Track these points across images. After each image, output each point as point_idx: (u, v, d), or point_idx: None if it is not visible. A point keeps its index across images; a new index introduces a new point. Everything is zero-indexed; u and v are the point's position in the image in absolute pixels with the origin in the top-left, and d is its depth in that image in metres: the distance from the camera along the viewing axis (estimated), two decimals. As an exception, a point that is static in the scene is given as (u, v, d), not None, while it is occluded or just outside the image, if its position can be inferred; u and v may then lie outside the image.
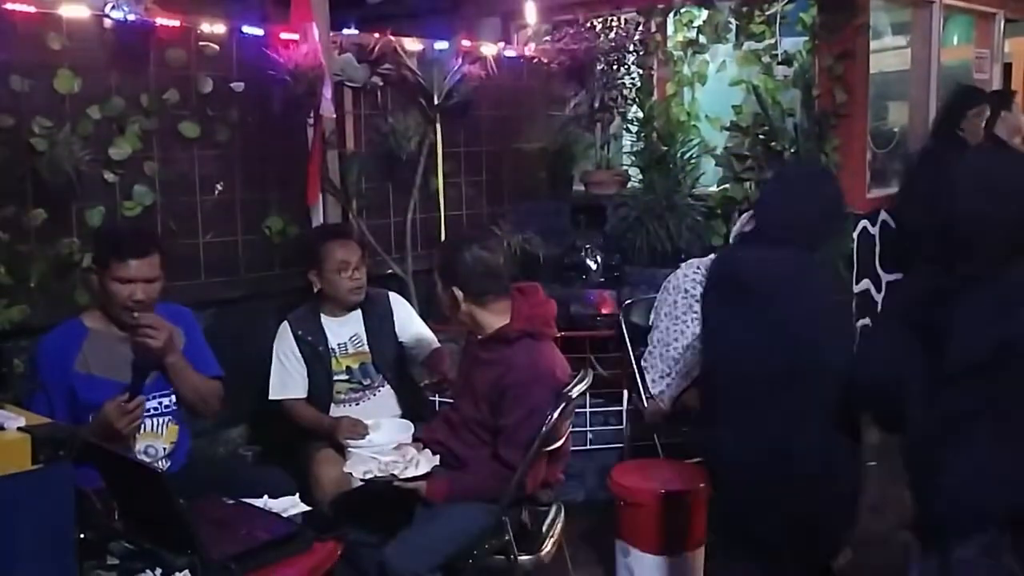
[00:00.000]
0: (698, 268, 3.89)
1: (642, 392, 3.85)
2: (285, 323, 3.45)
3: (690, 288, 3.85)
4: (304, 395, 3.40)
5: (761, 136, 4.89)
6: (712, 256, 3.89)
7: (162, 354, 2.75)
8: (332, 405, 3.42)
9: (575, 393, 2.75)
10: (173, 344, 2.79)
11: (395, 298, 3.61)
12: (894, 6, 5.83)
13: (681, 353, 3.80)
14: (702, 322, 2.76)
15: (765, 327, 2.46)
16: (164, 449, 2.88)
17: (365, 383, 3.46)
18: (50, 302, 3.28)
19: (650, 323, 3.93)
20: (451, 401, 3.13)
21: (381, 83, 4.34)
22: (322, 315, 3.46)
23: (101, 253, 2.82)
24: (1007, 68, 6.85)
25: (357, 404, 3.44)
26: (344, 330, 3.47)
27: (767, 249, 2.59)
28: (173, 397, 2.90)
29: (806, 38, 4.94)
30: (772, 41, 4.95)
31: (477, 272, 2.75)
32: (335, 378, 3.43)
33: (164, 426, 2.88)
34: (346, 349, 3.46)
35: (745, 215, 3.79)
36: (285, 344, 3.41)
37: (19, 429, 1.70)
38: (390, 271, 4.33)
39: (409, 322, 3.56)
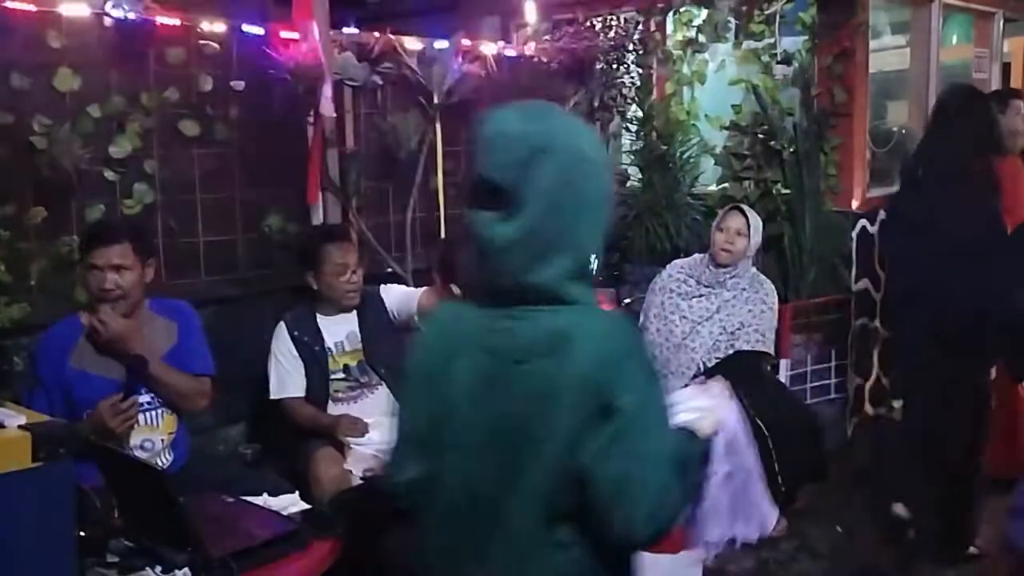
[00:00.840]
0: (682, 268, 3.93)
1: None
2: (281, 323, 3.45)
3: (675, 287, 3.88)
4: (303, 394, 3.41)
5: (760, 135, 4.89)
6: (696, 255, 3.91)
7: (107, 344, 2.75)
8: (330, 403, 3.43)
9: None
10: (127, 342, 2.78)
11: (385, 289, 3.62)
12: (893, 5, 5.83)
13: (673, 352, 3.81)
14: (885, 252, 3.33)
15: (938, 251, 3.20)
16: (162, 441, 2.89)
17: (363, 380, 3.47)
18: (50, 300, 3.27)
19: (640, 326, 3.93)
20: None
21: (381, 82, 4.33)
22: (318, 315, 3.47)
23: (80, 245, 2.88)
24: (1006, 68, 6.84)
25: (355, 402, 3.44)
26: (340, 329, 3.47)
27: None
28: None
29: (805, 37, 4.94)
30: (771, 40, 4.95)
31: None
32: (332, 377, 3.43)
33: (159, 418, 2.89)
34: (343, 347, 3.46)
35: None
36: (282, 344, 3.41)
37: (19, 427, 1.71)
38: (389, 269, 4.32)
39: (398, 296, 3.57)
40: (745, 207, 3.84)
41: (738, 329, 3.76)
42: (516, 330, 1.47)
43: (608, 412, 1.40)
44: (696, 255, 3.93)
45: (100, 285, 2.79)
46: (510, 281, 1.47)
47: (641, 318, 3.94)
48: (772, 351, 3.83)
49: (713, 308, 3.78)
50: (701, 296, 3.81)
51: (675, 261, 4.00)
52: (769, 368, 4.15)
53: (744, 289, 3.80)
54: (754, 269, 3.90)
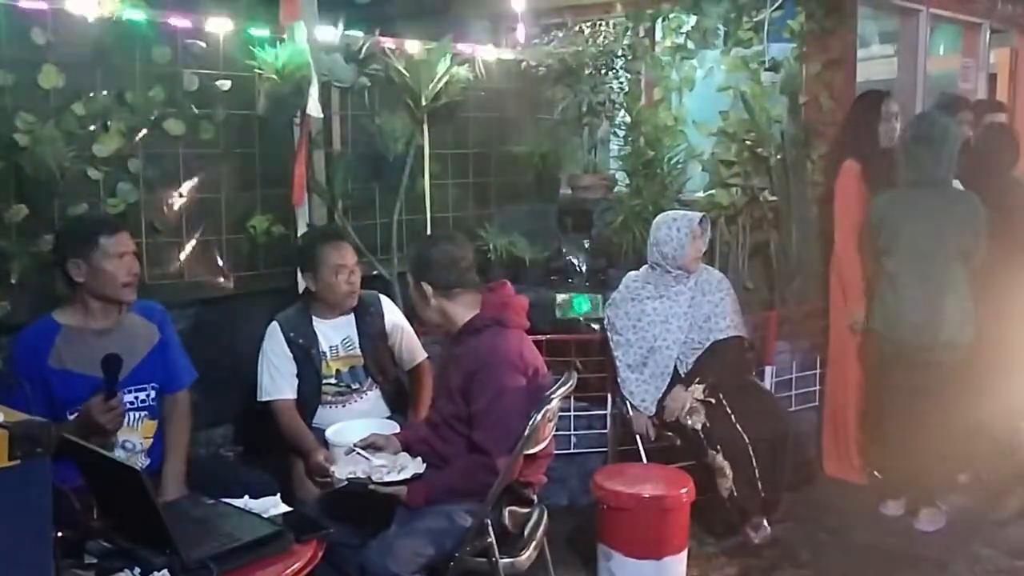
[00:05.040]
0: (636, 277, 3.96)
1: (628, 404, 3.85)
2: (275, 324, 3.40)
3: (634, 295, 3.90)
4: (294, 396, 3.36)
5: (748, 142, 4.90)
6: (644, 267, 3.93)
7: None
8: (319, 407, 3.40)
9: (559, 395, 2.75)
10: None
11: (385, 300, 3.60)
12: (881, 15, 5.87)
13: (649, 355, 3.82)
14: None
15: None
16: (141, 444, 2.88)
17: (353, 387, 3.43)
18: (31, 299, 3.25)
19: (611, 342, 3.92)
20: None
21: (368, 83, 4.33)
22: (313, 317, 3.42)
23: (85, 237, 2.80)
24: (992, 78, 6.89)
25: (343, 406, 3.41)
26: (336, 333, 3.43)
27: None
28: (151, 393, 2.90)
29: (794, 45, 4.96)
30: (760, 48, 4.96)
31: (444, 265, 2.80)
32: (324, 382, 3.40)
33: (139, 421, 2.88)
34: (337, 352, 3.42)
35: None
36: (276, 345, 3.36)
37: (-4, 425, 1.68)
38: (375, 272, 4.31)
39: (398, 327, 3.54)
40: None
41: (706, 321, 3.79)
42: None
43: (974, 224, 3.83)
44: (644, 267, 3.95)
45: (130, 270, 2.81)
46: (935, 177, 3.83)
47: (608, 334, 3.93)
48: (743, 333, 3.86)
49: (676, 307, 3.82)
50: (662, 297, 3.84)
51: (629, 273, 4.02)
52: (754, 373, 4.16)
53: (701, 283, 3.84)
54: (701, 264, 3.93)
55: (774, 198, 4.82)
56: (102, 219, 2.96)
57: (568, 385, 2.83)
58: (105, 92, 3.48)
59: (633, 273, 4.00)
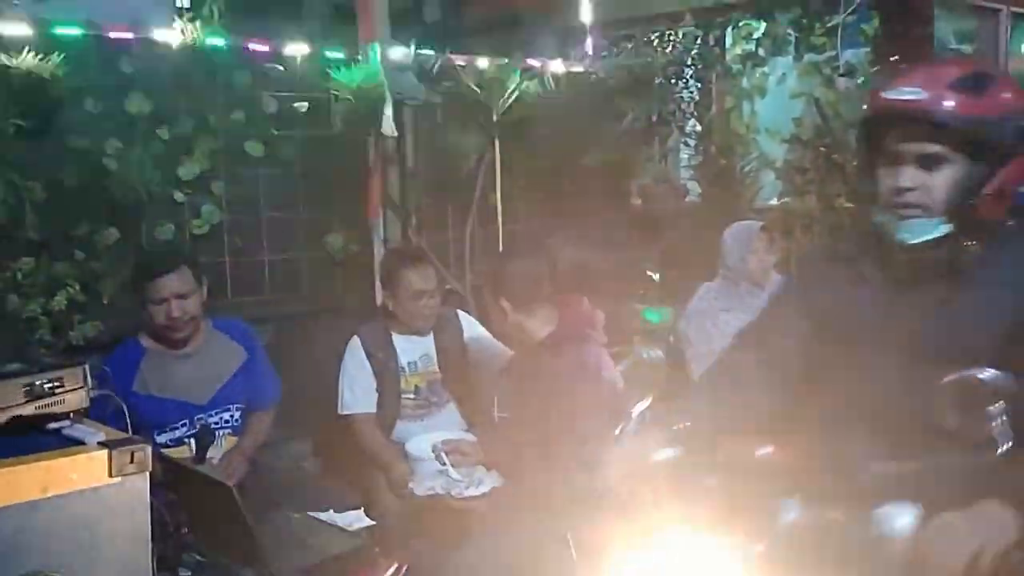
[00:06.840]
0: (710, 288, 3.90)
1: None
2: (355, 339, 3.44)
3: (706, 307, 3.85)
4: (373, 410, 3.39)
5: (823, 148, 4.82)
6: (717, 279, 3.87)
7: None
8: (398, 421, 3.44)
9: (638, 410, 2.74)
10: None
11: (464, 315, 3.61)
12: (959, 15, 5.73)
13: None
14: None
15: None
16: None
17: (432, 400, 3.46)
18: (121, 318, 3.36)
19: (686, 356, 3.87)
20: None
21: (440, 100, 4.38)
22: (392, 333, 3.46)
23: (134, 279, 2.92)
24: (1077, 76, 6.67)
25: (421, 420, 3.44)
26: (415, 349, 3.46)
27: None
28: (236, 413, 2.97)
29: (868, 49, 4.87)
30: (833, 53, 4.88)
31: (520, 281, 2.80)
32: (403, 396, 3.44)
33: (222, 439, 2.95)
34: (416, 367, 3.45)
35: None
36: (356, 359, 3.40)
37: (98, 443, 1.75)
38: (449, 287, 4.35)
39: (475, 341, 3.55)
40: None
41: None
42: None
43: None
44: (718, 278, 3.90)
45: (169, 315, 2.84)
46: None
47: (684, 347, 3.89)
48: None
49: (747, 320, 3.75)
50: (734, 310, 3.78)
51: (703, 284, 3.97)
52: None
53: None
54: (775, 273, 3.86)
55: (850, 205, 4.73)
56: (147, 263, 2.97)
57: (647, 400, 2.81)
58: (189, 117, 3.59)
59: (707, 284, 3.96)
